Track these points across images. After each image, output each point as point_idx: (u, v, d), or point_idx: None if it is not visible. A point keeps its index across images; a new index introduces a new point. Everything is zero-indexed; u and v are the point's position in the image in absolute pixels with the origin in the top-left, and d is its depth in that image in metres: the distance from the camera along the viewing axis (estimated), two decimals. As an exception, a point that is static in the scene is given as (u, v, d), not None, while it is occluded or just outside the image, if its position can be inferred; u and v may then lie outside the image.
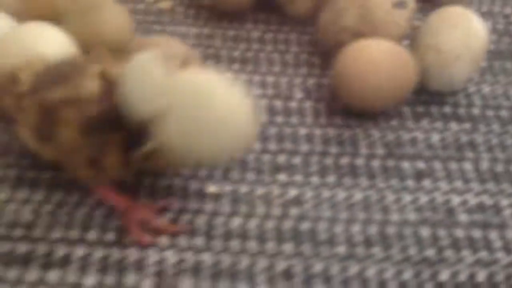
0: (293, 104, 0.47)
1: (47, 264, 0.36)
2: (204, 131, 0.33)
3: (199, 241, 0.38)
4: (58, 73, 0.37)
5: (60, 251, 0.36)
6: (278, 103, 0.47)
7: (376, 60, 0.42)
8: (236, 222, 0.39)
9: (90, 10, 0.43)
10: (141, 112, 0.34)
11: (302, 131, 0.45)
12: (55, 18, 0.44)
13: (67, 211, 0.39)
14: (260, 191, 0.41)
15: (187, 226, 0.38)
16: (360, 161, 0.43)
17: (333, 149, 0.44)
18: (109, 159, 0.36)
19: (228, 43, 0.52)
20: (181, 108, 0.33)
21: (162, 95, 0.33)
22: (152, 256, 0.37)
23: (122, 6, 0.47)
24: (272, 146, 0.44)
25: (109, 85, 0.35)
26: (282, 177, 0.42)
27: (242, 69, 0.50)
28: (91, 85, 0.35)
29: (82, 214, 0.39)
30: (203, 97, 0.34)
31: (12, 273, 0.35)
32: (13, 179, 0.40)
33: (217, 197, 0.40)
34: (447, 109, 0.48)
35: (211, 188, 0.41)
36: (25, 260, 0.36)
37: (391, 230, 0.39)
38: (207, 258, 0.37)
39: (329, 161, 0.43)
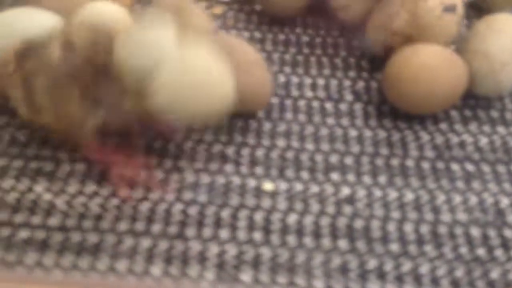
0: (343, 106, 0.49)
1: (116, 254, 0.38)
2: (189, 94, 0.39)
3: (257, 235, 0.40)
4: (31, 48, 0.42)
5: (128, 242, 0.39)
6: (329, 105, 0.49)
7: (429, 65, 0.44)
8: (292, 218, 0.41)
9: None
10: (137, 70, 0.39)
11: (353, 132, 0.47)
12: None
13: (132, 205, 0.41)
14: (314, 189, 0.43)
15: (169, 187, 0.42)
16: (410, 163, 0.45)
17: (383, 150, 0.46)
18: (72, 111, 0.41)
19: (279, 47, 0.54)
20: (171, 72, 0.39)
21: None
22: (213, 249, 0.39)
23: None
24: (325, 146, 0.46)
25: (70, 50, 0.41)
26: (335, 176, 0.44)
27: (293, 72, 0.52)
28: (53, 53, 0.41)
29: (146, 208, 0.41)
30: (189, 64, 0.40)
31: (84, 262, 0.38)
32: (82, 174, 0.43)
33: (273, 194, 0.42)
34: (495, 113, 0.49)
35: (268, 186, 0.43)
36: (95, 250, 0.38)
37: (442, 229, 0.40)
38: (265, 251, 0.39)
39: (380, 162, 0.45)
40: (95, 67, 0.40)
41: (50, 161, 0.43)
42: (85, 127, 0.41)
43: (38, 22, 0.46)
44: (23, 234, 0.39)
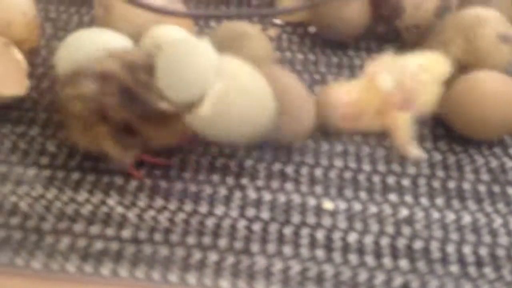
0: (398, 129, 0.51)
1: (185, 267, 0.40)
2: (233, 117, 0.42)
3: (320, 252, 0.41)
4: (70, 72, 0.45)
5: (196, 255, 0.41)
6: (384, 127, 0.51)
7: (491, 92, 0.45)
8: (352, 237, 0.42)
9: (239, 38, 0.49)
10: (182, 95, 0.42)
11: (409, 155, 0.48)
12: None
13: (199, 220, 0.43)
14: (372, 209, 0.44)
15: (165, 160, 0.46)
16: (466, 185, 0.46)
17: (440, 173, 0.47)
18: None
19: (332, 69, 0.56)
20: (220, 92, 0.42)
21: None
22: (278, 264, 0.40)
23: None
24: (381, 167, 0.47)
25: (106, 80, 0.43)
26: (392, 197, 0.45)
27: (348, 94, 0.54)
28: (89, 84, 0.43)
29: (212, 223, 0.43)
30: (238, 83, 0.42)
31: (156, 274, 0.39)
32: (149, 188, 0.45)
33: (333, 213, 0.44)
34: (547, 139, 0.50)
35: (327, 204, 0.44)
36: (166, 262, 0.40)
37: (500, 252, 0.41)
38: (328, 269, 0.40)
39: (436, 184, 0.46)
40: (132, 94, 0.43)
41: (120, 175, 0.46)
42: (121, 161, 0.45)
43: (107, 43, 0.49)
44: (99, 245, 0.41)
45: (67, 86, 0.44)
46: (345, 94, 0.48)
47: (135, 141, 0.45)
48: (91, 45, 0.48)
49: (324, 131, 0.49)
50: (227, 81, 0.42)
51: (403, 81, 0.47)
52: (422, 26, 0.55)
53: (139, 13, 0.51)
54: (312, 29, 0.60)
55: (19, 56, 0.49)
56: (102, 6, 0.52)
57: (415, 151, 0.46)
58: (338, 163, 0.47)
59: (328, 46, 0.58)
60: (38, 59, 0.55)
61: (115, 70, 0.43)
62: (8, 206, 0.43)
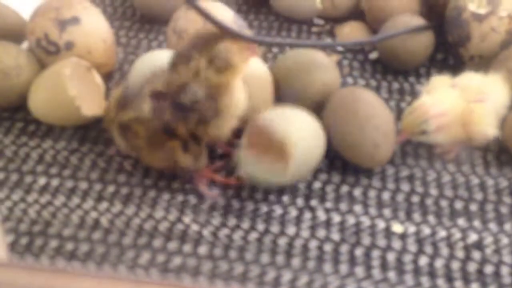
0: (464, 154, 0.51)
1: (261, 283, 0.41)
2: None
3: (391, 274, 0.42)
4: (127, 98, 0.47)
5: (271, 273, 0.42)
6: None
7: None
8: (423, 260, 0.43)
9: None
10: None
11: (475, 180, 0.49)
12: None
13: (271, 239, 0.44)
14: (442, 233, 0.45)
15: (237, 179, 0.47)
16: (535, 212, 0.46)
17: (507, 199, 0.47)
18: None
19: (394, 95, 0.57)
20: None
21: None
22: (351, 285, 0.41)
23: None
24: (448, 192, 0.48)
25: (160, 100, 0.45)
26: (461, 222, 0.46)
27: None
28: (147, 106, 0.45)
29: (284, 242, 0.44)
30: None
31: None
32: (223, 208, 0.46)
33: (402, 236, 0.45)
34: None
35: (397, 227, 0.45)
36: (242, 279, 0.41)
37: None
38: (401, 291, 0.41)
39: (504, 209, 0.46)
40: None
41: (194, 194, 0.47)
42: (195, 170, 0.47)
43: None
44: (177, 260, 0.43)
45: (124, 111, 0.46)
46: (438, 105, 0.49)
47: (202, 147, 0.46)
48: (164, 65, 0.51)
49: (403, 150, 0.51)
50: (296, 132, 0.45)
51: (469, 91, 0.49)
52: (486, 56, 0.56)
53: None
54: (372, 56, 0.61)
55: (99, 79, 0.52)
56: (176, 33, 0.55)
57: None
58: (405, 187, 0.49)
59: (389, 72, 0.60)
60: (112, 82, 0.58)
61: (162, 88, 0.45)
62: (90, 222, 0.45)
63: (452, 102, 0.49)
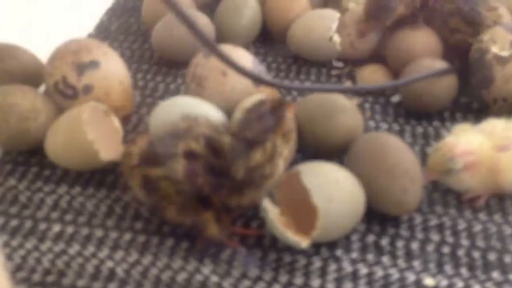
0: (493, 202, 0.49)
1: None
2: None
3: (424, 332, 0.39)
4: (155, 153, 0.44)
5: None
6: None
7: None
8: (458, 316, 0.40)
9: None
10: None
11: (508, 230, 0.46)
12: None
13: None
14: (476, 287, 0.42)
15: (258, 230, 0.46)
16: None
17: (543, 250, 0.45)
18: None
19: (418, 140, 0.56)
20: None
21: None
22: None
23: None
24: (480, 243, 0.46)
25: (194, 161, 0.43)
26: (495, 275, 0.43)
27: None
28: (178, 166, 0.43)
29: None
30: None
31: None
32: (244, 256, 0.44)
33: (434, 290, 0.42)
34: None
35: (429, 281, 0.43)
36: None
37: None
38: None
39: (541, 262, 0.44)
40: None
41: (213, 244, 0.45)
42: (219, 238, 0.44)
43: (201, 112, 0.50)
44: (196, 315, 0.40)
45: (150, 166, 0.44)
46: (466, 144, 0.48)
47: (230, 217, 0.45)
48: (186, 110, 0.49)
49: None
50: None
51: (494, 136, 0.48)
52: (510, 99, 0.54)
53: (233, 88, 0.53)
54: (394, 99, 0.60)
55: (117, 123, 0.50)
56: (195, 79, 0.54)
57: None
58: (434, 237, 0.46)
59: (412, 116, 0.58)
60: (129, 125, 0.57)
61: (198, 149, 0.43)
62: (105, 272, 0.43)
63: (479, 143, 0.48)
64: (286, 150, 0.44)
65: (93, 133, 0.48)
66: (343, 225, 0.44)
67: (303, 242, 0.42)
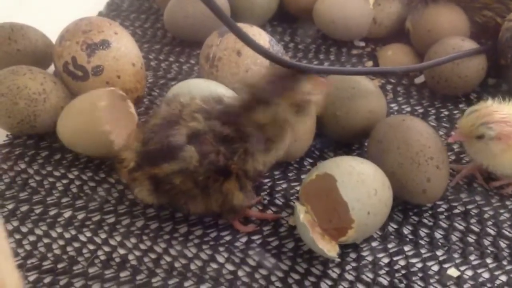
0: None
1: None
2: None
3: (448, 326, 0.38)
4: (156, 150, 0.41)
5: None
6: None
7: None
8: (483, 309, 0.39)
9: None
10: None
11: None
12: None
13: (313, 280, 0.41)
14: (502, 277, 0.40)
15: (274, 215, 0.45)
16: None
17: None
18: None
19: (443, 123, 0.53)
20: None
21: None
22: (402, 337, 0.37)
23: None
24: (507, 232, 0.43)
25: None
26: (524, 265, 0.41)
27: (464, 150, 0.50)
28: (188, 155, 0.40)
29: (326, 286, 0.40)
30: None
31: None
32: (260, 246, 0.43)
33: (458, 280, 0.40)
34: None
35: (452, 271, 0.41)
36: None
37: None
38: None
39: None
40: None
41: (228, 231, 0.44)
42: (242, 208, 0.43)
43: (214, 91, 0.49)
44: (210, 305, 0.39)
45: (155, 165, 0.41)
46: (506, 114, 0.44)
47: (251, 182, 0.42)
48: (200, 94, 0.48)
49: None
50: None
51: None
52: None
53: (248, 69, 0.51)
54: (419, 80, 0.58)
55: (132, 109, 0.48)
56: (209, 60, 0.52)
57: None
58: (459, 225, 0.44)
59: (437, 98, 0.56)
60: (141, 107, 0.55)
61: (200, 125, 0.41)
62: (117, 260, 0.42)
63: None
64: (297, 121, 0.41)
65: (109, 122, 0.46)
66: (373, 231, 0.42)
67: (332, 252, 0.39)
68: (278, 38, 0.65)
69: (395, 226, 0.44)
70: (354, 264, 0.41)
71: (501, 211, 0.45)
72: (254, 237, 0.43)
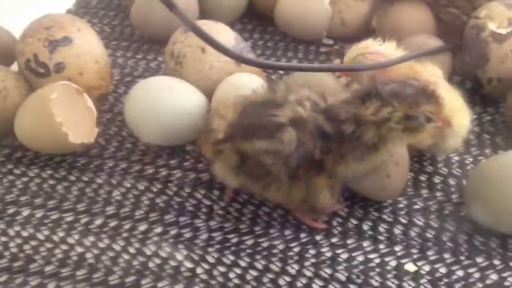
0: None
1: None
2: None
3: (404, 321, 0.38)
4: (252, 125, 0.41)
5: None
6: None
7: None
8: (439, 304, 0.39)
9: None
10: None
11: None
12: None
13: (271, 277, 0.41)
14: (459, 273, 0.41)
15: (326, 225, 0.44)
16: None
17: (531, 235, 0.43)
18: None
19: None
20: None
21: None
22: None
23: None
24: (467, 227, 0.44)
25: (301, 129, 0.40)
26: (480, 260, 0.41)
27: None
28: (288, 137, 0.39)
29: (285, 282, 0.41)
30: None
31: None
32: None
33: (415, 276, 0.40)
34: None
35: (409, 266, 0.41)
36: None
37: None
38: None
39: (529, 247, 0.42)
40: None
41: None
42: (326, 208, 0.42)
43: (178, 92, 0.48)
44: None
45: (245, 139, 0.40)
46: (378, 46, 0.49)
47: (339, 185, 0.42)
48: (161, 93, 0.48)
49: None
50: None
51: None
52: (505, 79, 0.52)
53: (212, 66, 0.50)
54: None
55: (90, 104, 0.48)
56: (173, 57, 0.52)
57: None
58: (418, 221, 0.44)
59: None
60: (106, 105, 0.55)
61: (305, 113, 0.40)
62: (74, 258, 0.41)
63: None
64: (399, 137, 0.40)
65: (62, 115, 0.46)
66: None
67: None
68: (247, 35, 0.65)
69: (355, 222, 0.44)
70: (313, 260, 0.41)
71: (461, 207, 0.45)
72: (214, 234, 0.43)
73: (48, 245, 0.42)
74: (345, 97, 0.41)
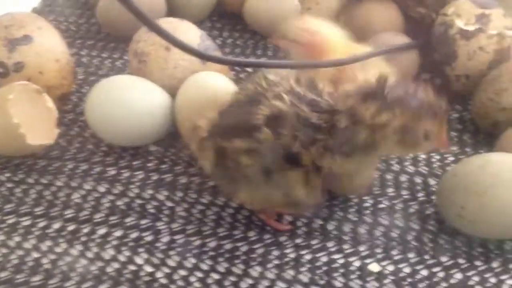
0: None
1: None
2: None
3: (366, 322, 0.37)
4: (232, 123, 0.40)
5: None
6: (432, 182, 0.47)
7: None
8: (402, 305, 0.38)
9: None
10: None
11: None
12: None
13: (233, 280, 0.40)
14: (423, 272, 0.40)
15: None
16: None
17: (496, 233, 0.43)
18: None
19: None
20: None
21: None
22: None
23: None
24: (432, 226, 0.43)
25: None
26: (444, 259, 0.41)
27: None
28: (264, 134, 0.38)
29: (247, 284, 0.40)
30: None
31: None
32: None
33: (379, 276, 0.40)
34: None
35: (373, 266, 0.41)
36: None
37: None
38: None
39: (491, 246, 0.42)
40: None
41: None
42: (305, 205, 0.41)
43: (140, 90, 0.47)
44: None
45: (226, 138, 0.39)
46: (318, 25, 0.47)
47: (320, 179, 0.39)
48: (124, 92, 0.47)
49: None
50: None
51: None
52: (473, 76, 0.52)
53: (176, 65, 0.49)
54: (352, 76, 0.57)
55: (50, 104, 0.47)
56: (137, 56, 0.51)
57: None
58: (384, 220, 0.44)
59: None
60: (69, 105, 0.53)
61: (284, 106, 0.38)
62: (30, 263, 0.40)
63: (336, 38, 0.46)
64: (389, 148, 0.38)
65: (20, 116, 0.44)
66: None
67: None
68: (216, 34, 0.64)
69: (320, 222, 0.43)
70: (276, 262, 0.41)
71: (426, 205, 0.45)
72: (177, 237, 0.42)
73: (4, 250, 0.41)
74: (346, 89, 0.39)
